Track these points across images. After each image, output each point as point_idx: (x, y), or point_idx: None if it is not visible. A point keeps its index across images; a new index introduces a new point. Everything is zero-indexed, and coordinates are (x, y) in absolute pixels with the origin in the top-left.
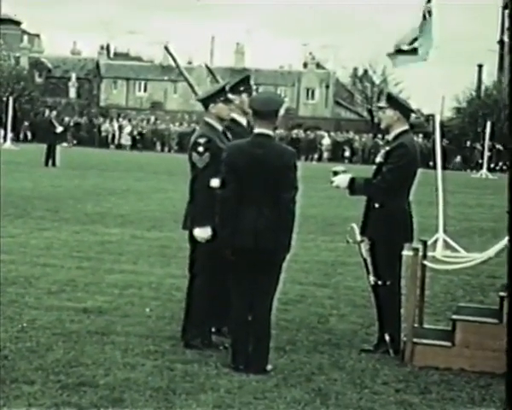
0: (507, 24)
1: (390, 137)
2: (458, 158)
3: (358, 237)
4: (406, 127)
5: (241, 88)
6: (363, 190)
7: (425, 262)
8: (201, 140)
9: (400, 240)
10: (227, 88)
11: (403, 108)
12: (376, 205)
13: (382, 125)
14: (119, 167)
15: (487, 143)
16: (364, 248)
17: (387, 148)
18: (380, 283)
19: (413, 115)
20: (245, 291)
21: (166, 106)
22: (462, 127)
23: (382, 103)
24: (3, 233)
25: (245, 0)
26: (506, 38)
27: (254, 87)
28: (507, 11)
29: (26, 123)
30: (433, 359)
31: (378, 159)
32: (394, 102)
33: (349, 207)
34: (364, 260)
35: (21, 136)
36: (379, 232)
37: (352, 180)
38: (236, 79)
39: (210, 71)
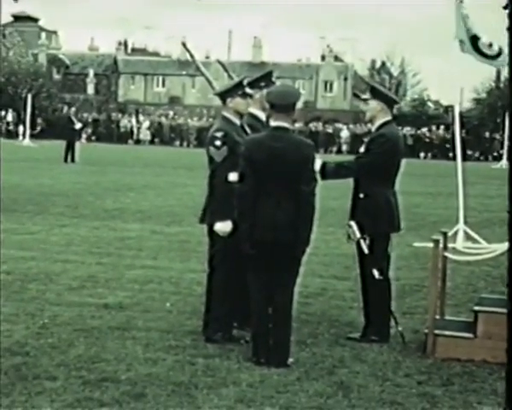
0: (507, 24)
1: (373, 127)
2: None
3: (358, 235)
4: (389, 118)
5: (262, 83)
6: (335, 173)
7: (446, 254)
8: (218, 134)
9: (385, 229)
10: (245, 82)
11: (386, 99)
12: (361, 195)
13: (367, 117)
14: (137, 163)
15: (507, 133)
16: (365, 244)
17: (368, 138)
18: (378, 277)
19: (432, 106)
20: (265, 285)
21: (185, 101)
22: (481, 118)
23: (366, 95)
24: (23, 230)
25: None
26: None
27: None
28: (507, 11)
29: (39, 120)
30: (455, 350)
31: (361, 149)
32: (377, 93)
33: None
34: (363, 255)
35: (38, 130)
36: (364, 222)
37: (324, 165)
38: (258, 74)
39: (223, 66)
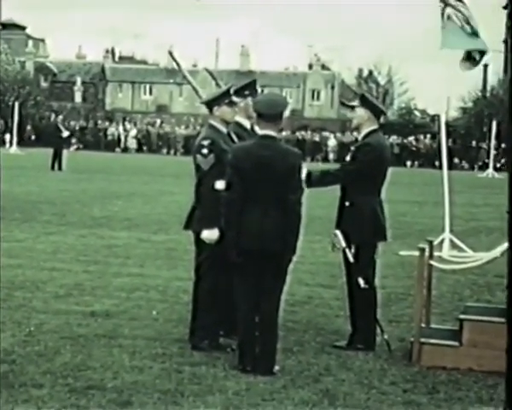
0: (507, 24)
1: (360, 136)
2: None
3: (343, 243)
4: (375, 127)
5: (247, 92)
6: (320, 180)
7: (432, 262)
8: (205, 142)
9: (370, 238)
10: (232, 91)
11: (374, 109)
12: (347, 204)
13: (353, 124)
14: (125, 171)
15: (493, 142)
16: (350, 253)
17: (354, 147)
18: (363, 285)
19: (418, 115)
20: (251, 293)
21: (172, 109)
22: (467, 127)
23: (354, 102)
24: (10, 238)
25: (250, 1)
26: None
27: (260, 89)
28: (507, 11)
29: (29, 127)
30: (440, 359)
31: (347, 158)
32: (367, 101)
33: None
34: (349, 264)
35: (25, 138)
36: (350, 231)
37: (309, 174)
38: (242, 83)
39: (211, 74)
